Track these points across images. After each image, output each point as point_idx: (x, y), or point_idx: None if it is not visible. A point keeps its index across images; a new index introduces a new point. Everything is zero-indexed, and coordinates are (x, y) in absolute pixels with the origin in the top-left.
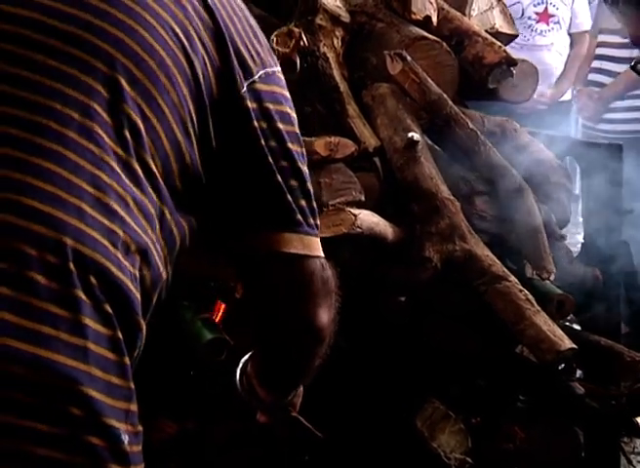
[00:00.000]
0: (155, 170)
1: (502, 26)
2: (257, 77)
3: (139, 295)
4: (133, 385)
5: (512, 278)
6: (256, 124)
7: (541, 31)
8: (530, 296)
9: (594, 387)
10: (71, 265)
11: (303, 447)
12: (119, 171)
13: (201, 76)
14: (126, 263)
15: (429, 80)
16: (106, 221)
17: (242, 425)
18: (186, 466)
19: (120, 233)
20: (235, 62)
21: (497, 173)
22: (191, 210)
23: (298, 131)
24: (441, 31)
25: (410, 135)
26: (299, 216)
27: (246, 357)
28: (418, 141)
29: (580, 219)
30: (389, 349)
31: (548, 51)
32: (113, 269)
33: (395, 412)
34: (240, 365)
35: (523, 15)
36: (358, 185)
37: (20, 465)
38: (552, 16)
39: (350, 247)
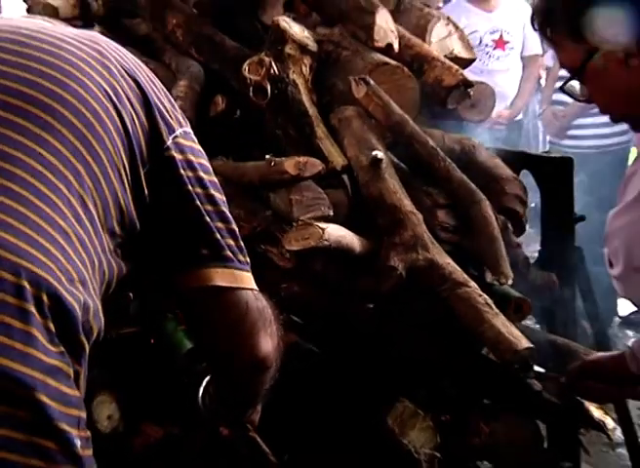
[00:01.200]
0: (94, 211)
1: (460, 52)
2: (178, 133)
3: (81, 318)
4: (81, 394)
5: (472, 284)
6: (182, 172)
7: (498, 57)
8: (489, 300)
9: (555, 375)
10: (25, 283)
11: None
12: (64, 208)
13: (130, 129)
14: (72, 289)
15: (392, 102)
16: (54, 250)
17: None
18: None
19: (64, 262)
20: (160, 120)
21: (456, 186)
22: (126, 255)
23: (216, 180)
24: (402, 57)
25: (374, 153)
26: (228, 253)
27: (208, 377)
28: (381, 159)
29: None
30: (360, 354)
31: (505, 74)
32: (62, 291)
33: (367, 412)
34: (203, 384)
35: (481, 42)
36: (327, 201)
37: None
38: (507, 42)
39: (322, 259)
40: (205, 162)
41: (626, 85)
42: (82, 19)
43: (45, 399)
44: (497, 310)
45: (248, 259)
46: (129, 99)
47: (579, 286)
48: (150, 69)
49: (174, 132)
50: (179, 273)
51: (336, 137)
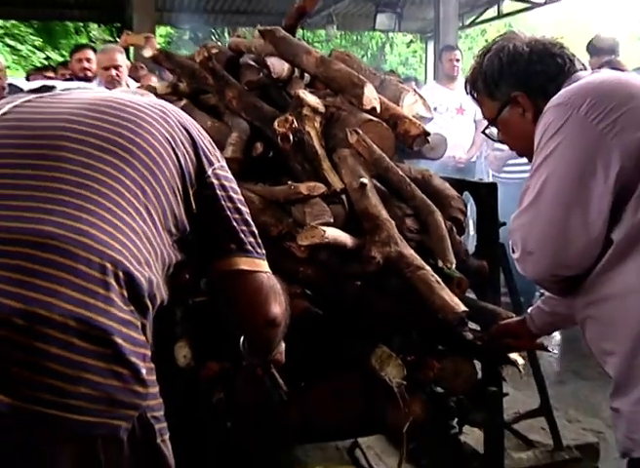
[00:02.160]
0: (156, 217)
1: (422, 112)
2: (216, 166)
3: (147, 288)
4: (147, 339)
5: (428, 268)
6: (218, 192)
7: (459, 120)
8: (439, 279)
9: (483, 333)
10: (108, 264)
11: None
12: (134, 214)
13: (183, 163)
14: (140, 268)
15: (374, 146)
16: (128, 243)
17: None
18: (226, 392)
19: (135, 250)
20: (203, 157)
21: (418, 202)
22: (180, 248)
23: (242, 197)
24: (383, 116)
25: (361, 180)
26: (249, 247)
27: None
28: (366, 184)
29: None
30: (351, 315)
31: (463, 131)
32: (133, 270)
33: (357, 354)
34: (242, 337)
35: (447, 110)
36: (329, 212)
37: (78, 384)
38: (464, 110)
39: (325, 251)
40: (234, 185)
41: (523, 131)
42: (173, 95)
43: (119, 340)
44: (443, 285)
45: (264, 251)
46: (182, 143)
47: (502, 270)
48: (214, 126)
49: (213, 165)
50: (214, 260)
51: (336, 169)
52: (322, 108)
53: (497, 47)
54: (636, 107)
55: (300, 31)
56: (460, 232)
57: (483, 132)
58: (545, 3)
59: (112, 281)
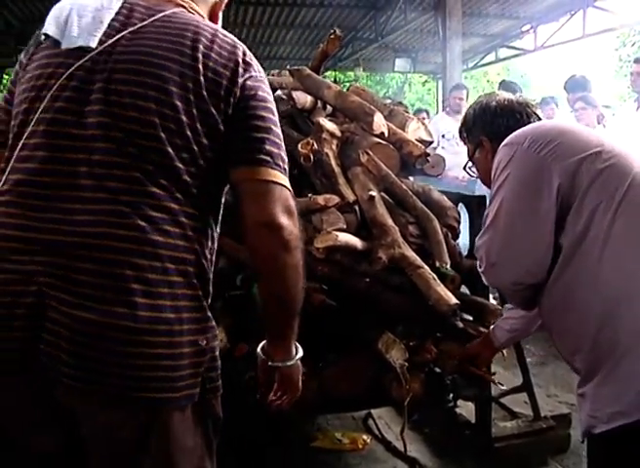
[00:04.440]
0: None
1: (424, 136)
2: (247, 76)
3: (211, 272)
4: (209, 314)
5: (426, 267)
6: (249, 103)
7: (462, 145)
8: (435, 276)
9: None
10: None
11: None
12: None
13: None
14: (207, 255)
15: (382, 165)
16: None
17: None
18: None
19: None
20: (239, 72)
21: (419, 212)
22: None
23: (272, 105)
24: (390, 139)
25: (370, 193)
26: (265, 157)
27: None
28: (375, 196)
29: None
30: (361, 306)
31: (464, 154)
32: (202, 260)
33: (365, 339)
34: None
35: (453, 137)
36: (343, 220)
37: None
38: None
39: (339, 253)
40: (262, 93)
41: (488, 168)
42: None
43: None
44: (439, 281)
45: (285, 166)
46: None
47: None
48: None
49: (244, 75)
50: (231, 168)
51: (350, 184)
52: (338, 133)
53: (477, 101)
54: (566, 141)
55: (332, 73)
56: (454, 237)
57: (464, 167)
58: (534, 50)
59: (182, 276)
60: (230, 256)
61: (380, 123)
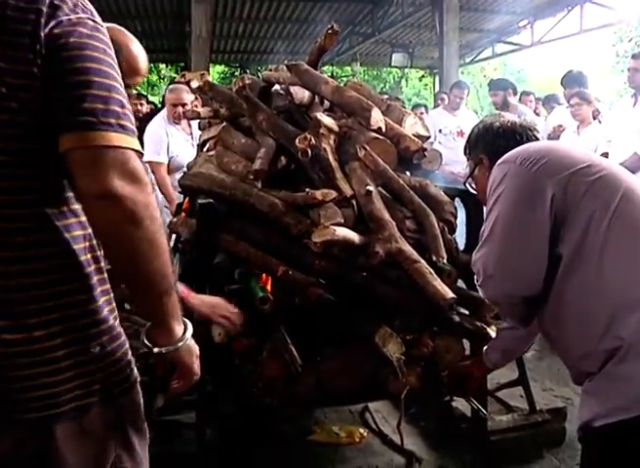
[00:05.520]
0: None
1: (421, 131)
2: (53, 24)
3: (91, 265)
4: (104, 315)
5: (423, 261)
6: (59, 56)
7: (459, 141)
8: (431, 270)
9: (470, 317)
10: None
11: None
12: None
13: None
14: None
15: (380, 159)
16: None
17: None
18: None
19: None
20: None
21: (416, 206)
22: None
23: (96, 52)
24: (387, 134)
25: (368, 187)
26: (86, 118)
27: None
28: (372, 191)
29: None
30: (358, 299)
31: (461, 149)
32: (66, 259)
33: (362, 333)
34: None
35: (450, 132)
36: (340, 214)
37: None
38: (464, 133)
39: (337, 247)
40: (85, 40)
41: (485, 184)
42: (215, 118)
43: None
44: (436, 276)
45: (122, 121)
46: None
47: None
48: (247, 143)
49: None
50: (59, 140)
51: (347, 179)
52: (336, 128)
53: (482, 121)
54: (555, 157)
55: (329, 68)
56: (451, 232)
57: (464, 183)
58: (532, 45)
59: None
60: (228, 251)
61: (377, 118)
